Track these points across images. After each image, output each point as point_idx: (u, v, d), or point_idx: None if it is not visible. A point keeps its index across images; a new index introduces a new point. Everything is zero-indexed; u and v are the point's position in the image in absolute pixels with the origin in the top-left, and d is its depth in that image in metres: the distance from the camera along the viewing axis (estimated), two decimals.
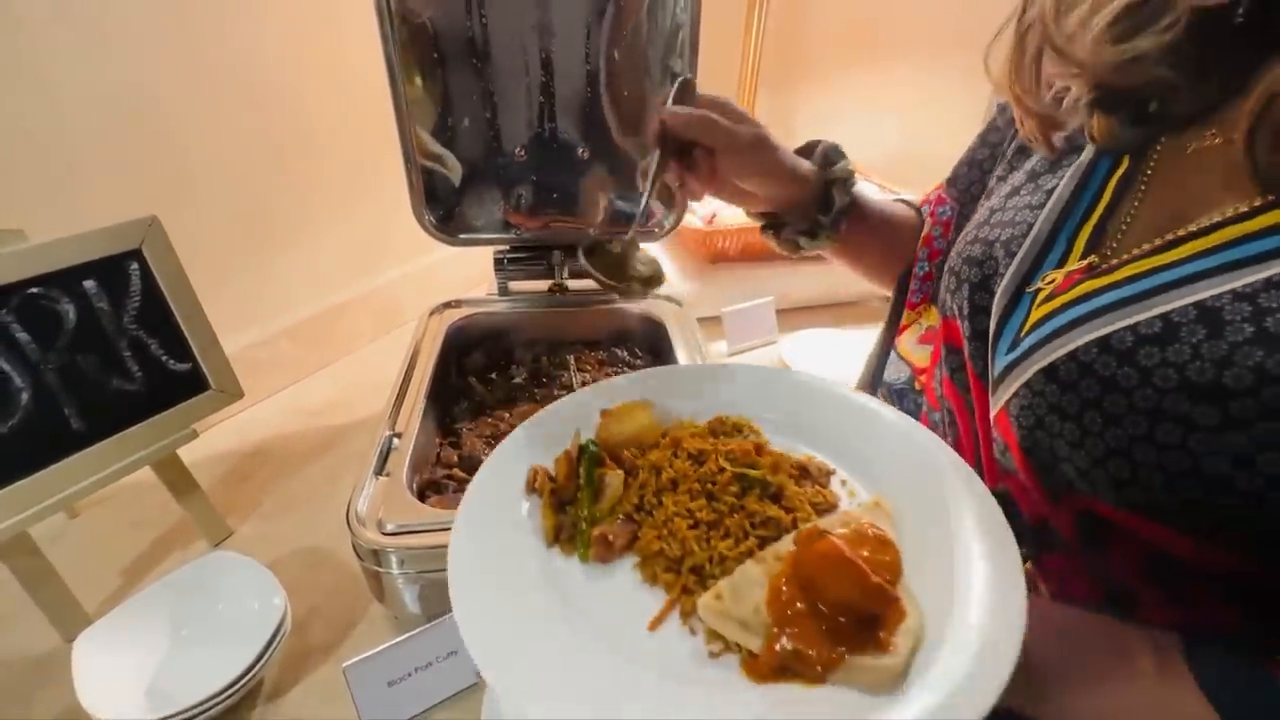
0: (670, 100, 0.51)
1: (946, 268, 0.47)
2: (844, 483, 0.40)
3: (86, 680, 0.46)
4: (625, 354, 0.80)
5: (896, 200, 0.63)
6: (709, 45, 1.25)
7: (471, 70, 0.70)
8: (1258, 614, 0.32)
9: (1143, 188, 0.36)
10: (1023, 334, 0.37)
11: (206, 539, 0.65)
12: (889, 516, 0.35)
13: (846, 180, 0.55)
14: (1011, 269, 0.39)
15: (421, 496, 0.56)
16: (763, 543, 0.35)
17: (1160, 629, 0.30)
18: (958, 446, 0.49)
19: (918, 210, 0.62)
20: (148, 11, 0.68)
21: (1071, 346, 0.33)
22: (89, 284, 0.52)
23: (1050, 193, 0.40)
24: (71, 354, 0.52)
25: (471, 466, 0.61)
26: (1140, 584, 0.36)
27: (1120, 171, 0.37)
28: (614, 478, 0.40)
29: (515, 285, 0.85)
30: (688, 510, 0.37)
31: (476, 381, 0.74)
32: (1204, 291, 0.30)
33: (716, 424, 0.43)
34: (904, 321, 0.60)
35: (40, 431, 0.50)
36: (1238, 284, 0.29)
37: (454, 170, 0.74)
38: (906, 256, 0.60)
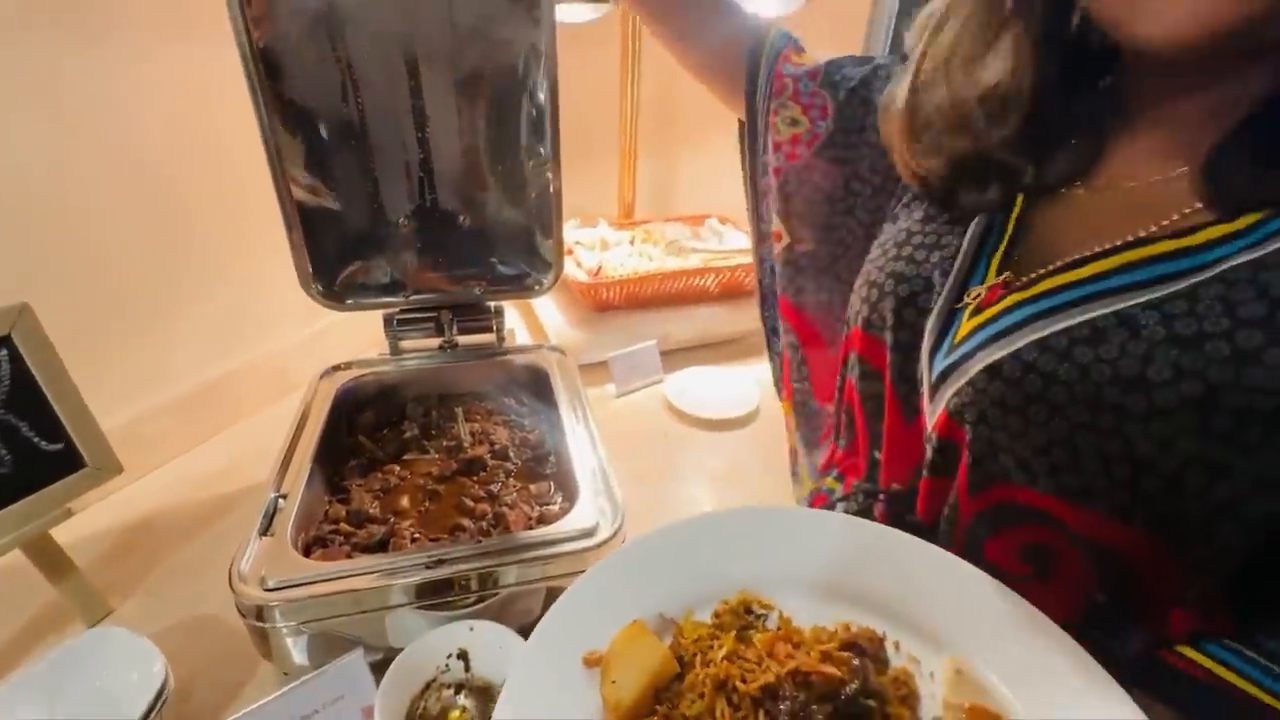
0: None
1: (864, 280, 0.52)
2: (897, 646, 0.36)
3: None
4: (513, 402, 0.86)
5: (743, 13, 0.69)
6: (590, 115, 1.36)
7: (351, 148, 0.75)
8: (1122, 594, 0.39)
9: (1036, 220, 0.44)
10: (957, 342, 0.43)
11: (83, 619, 0.64)
12: (977, 685, 0.32)
13: None
14: (948, 286, 0.45)
15: (307, 552, 0.59)
16: None
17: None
18: (854, 446, 0.56)
19: (761, 34, 0.66)
20: (14, 93, 0.69)
21: (1013, 348, 0.39)
22: None
23: (968, 219, 0.47)
24: None
25: (359, 520, 0.64)
26: (1013, 566, 0.43)
27: (1017, 207, 0.46)
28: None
29: (407, 343, 0.89)
30: None
31: (366, 439, 0.77)
32: (1118, 304, 0.36)
33: (729, 617, 0.38)
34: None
35: None
36: (1144, 298, 0.35)
37: (339, 240, 0.79)
38: (723, 48, 0.67)
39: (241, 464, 0.89)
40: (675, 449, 0.96)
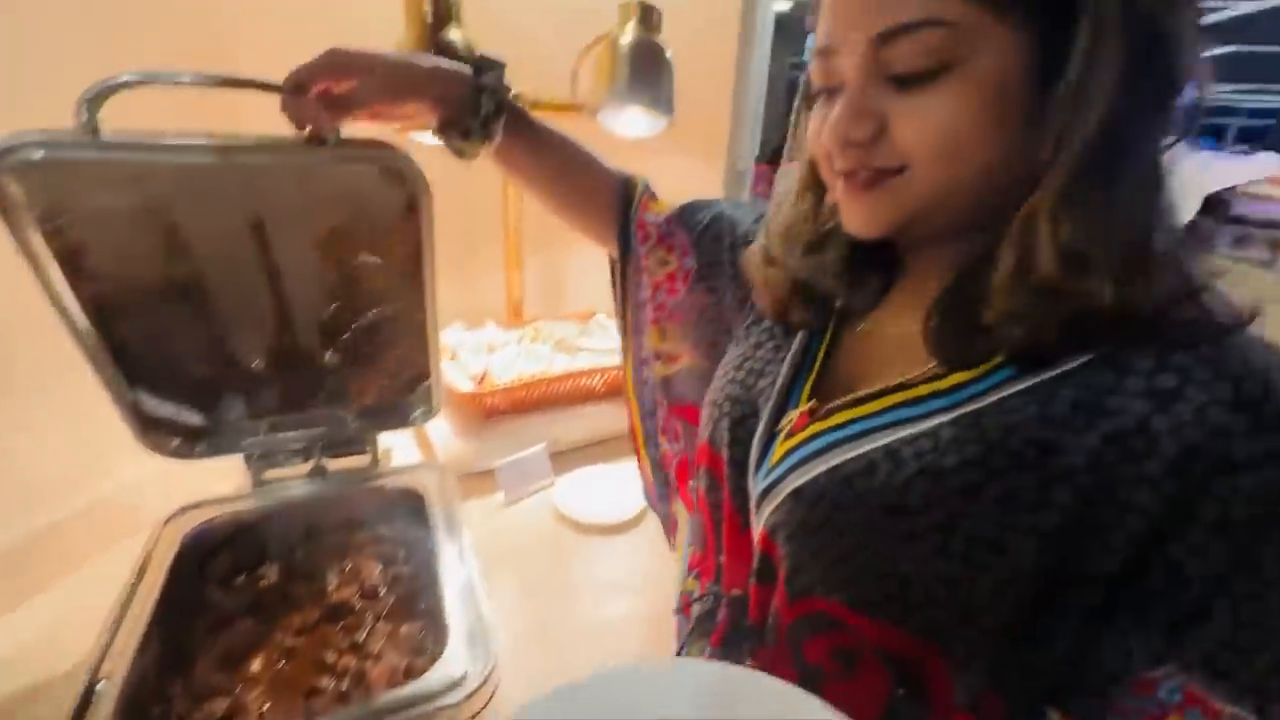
0: None
1: (708, 400, 0.56)
2: None
3: None
4: (388, 531, 0.82)
5: (607, 166, 0.73)
6: (475, 216, 1.38)
7: (191, 307, 0.71)
8: (919, 691, 0.43)
9: (839, 352, 0.50)
10: (773, 465, 0.47)
11: None
12: None
13: (496, 88, 0.60)
14: (768, 412, 0.49)
15: None
16: None
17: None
18: (706, 550, 0.59)
19: (627, 187, 0.71)
20: None
21: (812, 474, 0.43)
22: None
23: (789, 348, 0.52)
24: None
25: (198, 696, 0.58)
26: (828, 665, 0.46)
27: (826, 338, 0.51)
28: None
29: (272, 473, 0.84)
30: None
31: (218, 590, 0.71)
32: (888, 438, 0.41)
33: None
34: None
35: None
36: (905, 434, 0.40)
37: (183, 393, 0.74)
38: (595, 206, 0.72)
39: (60, 634, 0.77)
40: (567, 558, 0.95)
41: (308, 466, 0.84)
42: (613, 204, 0.71)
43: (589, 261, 1.63)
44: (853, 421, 0.44)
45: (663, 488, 0.80)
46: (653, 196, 0.72)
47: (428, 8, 0.93)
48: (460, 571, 0.69)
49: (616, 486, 1.06)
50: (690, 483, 0.64)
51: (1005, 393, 0.38)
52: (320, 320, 0.77)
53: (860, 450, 0.42)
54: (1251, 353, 0.34)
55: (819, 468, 0.43)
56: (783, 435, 0.48)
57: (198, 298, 0.70)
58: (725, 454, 0.53)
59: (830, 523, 0.42)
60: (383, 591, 0.72)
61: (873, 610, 0.42)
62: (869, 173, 0.40)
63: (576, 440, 1.17)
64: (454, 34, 0.96)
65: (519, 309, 1.44)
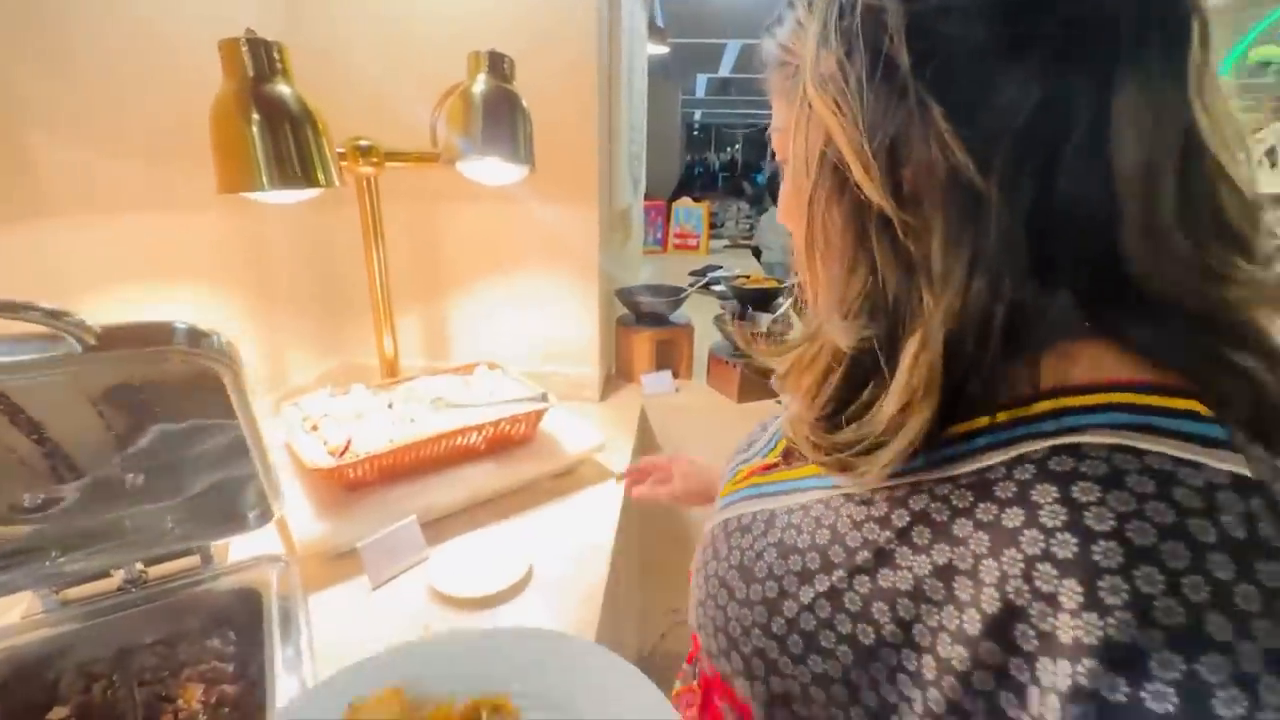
0: None
1: None
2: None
3: None
4: (216, 643, 0.72)
5: None
6: (345, 274, 1.30)
7: None
8: None
9: None
10: (721, 496, 0.52)
11: None
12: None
13: None
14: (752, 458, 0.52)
15: None
16: None
17: None
18: None
19: None
20: None
21: (720, 518, 0.47)
22: None
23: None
24: None
25: None
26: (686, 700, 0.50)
27: None
28: None
29: (72, 592, 0.72)
30: None
31: None
32: (771, 505, 0.43)
33: (471, 711, 0.45)
34: None
35: None
36: (766, 507, 0.43)
37: None
38: None
39: None
40: None
41: (118, 581, 0.73)
42: None
43: (471, 310, 1.57)
44: (783, 481, 0.44)
45: None
46: None
47: (247, 60, 0.86)
48: (291, 682, 0.61)
49: (498, 551, 1.00)
50: None
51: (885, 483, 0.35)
52: (119, 455, 0.68)
53: (755, 508, 0.43)
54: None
55: (727, 514, 0.46)
56: (735, 477, 0.50)
57: None
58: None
59: (704, 565, 0.45)
60: (204, 718, 0.62)
61: (714, 658, 0.43)
62: None
63: (454, 505, 1.09)
64: (281, 87, 0.89)
65: (394, 368, 1.36)
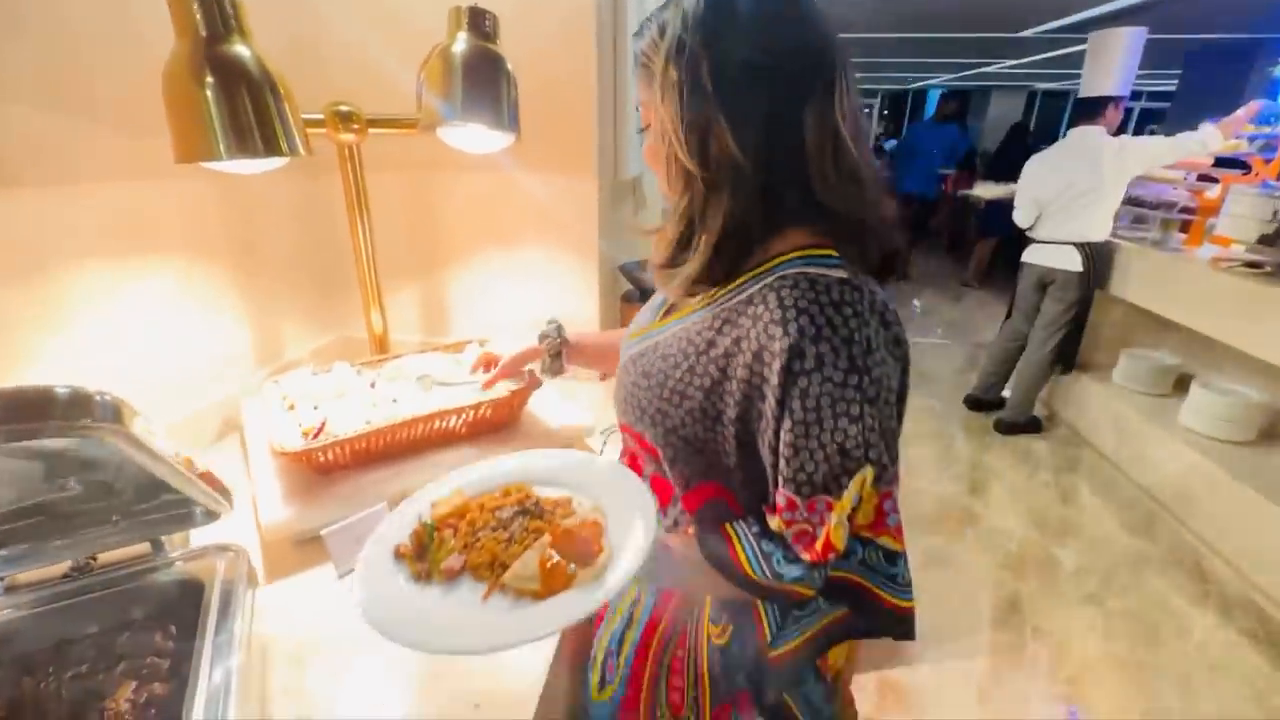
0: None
1: None
2: (579, 503, 0.71)
3: None
4: (158, 636, 0.70)
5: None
6: (326, 252, 1.24)
7: None
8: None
9: None
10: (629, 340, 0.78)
11: None
12: (601, 512, 0.68)
13: (552, 338, 1.05)
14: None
15: None
16: (535, 538, 0.65)
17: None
18: None
19: None
20: None
21: (630, 351, 0.75)
22: None
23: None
24: None
25: None
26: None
27: None
28: (448, 534, 0.67)
29: (20, 577, 0.70)
30: (493, 535, 0.66)
31: None
32: (659, 335, 0.71)
33: (504, 494, 0.74)
34: None
35: None
36: (666, 334, 0.70)
37: None
38: None
39: None
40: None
41: (64, 568, 0.71)
42: None
43: (472, 283, 1.52)
44: (662, 326, 0.71)
45: None
46: None
47: (199, 18, 0.80)
48: (213, 680, 0.58)
49: None
50: None
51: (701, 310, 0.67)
52: (40, 496, 0.66)
53: (648, 343, 0.71)
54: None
55: (632, 349, 0.74)
56: (634, 333, 0.78)
57: None
58: None
59: (622, 378, 0.75)
60: None
61: (632, 425, 0.72)
62: None
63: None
64: (238, 48, 0.83)
65: (383, 343, 1.32)
